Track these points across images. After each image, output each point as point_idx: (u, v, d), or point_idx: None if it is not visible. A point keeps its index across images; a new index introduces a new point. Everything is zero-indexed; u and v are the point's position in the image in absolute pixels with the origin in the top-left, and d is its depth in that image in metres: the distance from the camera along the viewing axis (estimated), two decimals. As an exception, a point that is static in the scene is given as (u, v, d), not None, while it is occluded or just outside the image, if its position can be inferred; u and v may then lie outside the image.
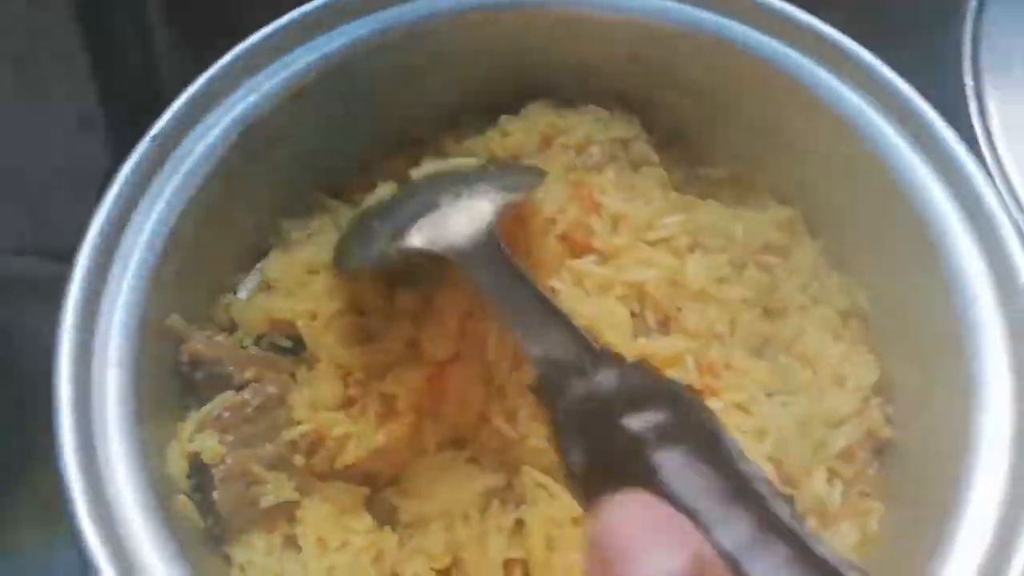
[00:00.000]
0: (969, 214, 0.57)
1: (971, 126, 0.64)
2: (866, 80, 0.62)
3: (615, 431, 0.42)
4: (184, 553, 0.47)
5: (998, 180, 0.62)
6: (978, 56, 0.67)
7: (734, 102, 0.68)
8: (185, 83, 0.59)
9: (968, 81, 0.66)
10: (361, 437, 0.56)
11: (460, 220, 0.54)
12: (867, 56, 0.62)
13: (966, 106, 0.65)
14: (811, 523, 0.58)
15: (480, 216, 0.54)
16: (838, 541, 0.57)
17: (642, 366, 0.45)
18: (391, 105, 0.69)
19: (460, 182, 0.58)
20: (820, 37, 0.63)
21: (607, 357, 0.45)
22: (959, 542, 0.47)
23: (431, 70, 0.68)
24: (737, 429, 0.58)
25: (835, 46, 0.63)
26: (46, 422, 0.48)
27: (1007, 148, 0.64)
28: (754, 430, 0.58)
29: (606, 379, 0.44)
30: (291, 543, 0.56)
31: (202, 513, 0.54)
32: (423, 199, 0.58)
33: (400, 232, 0.55)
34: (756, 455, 0.57)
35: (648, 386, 0.44)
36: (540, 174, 0.63)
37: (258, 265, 0.65)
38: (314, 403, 0.57)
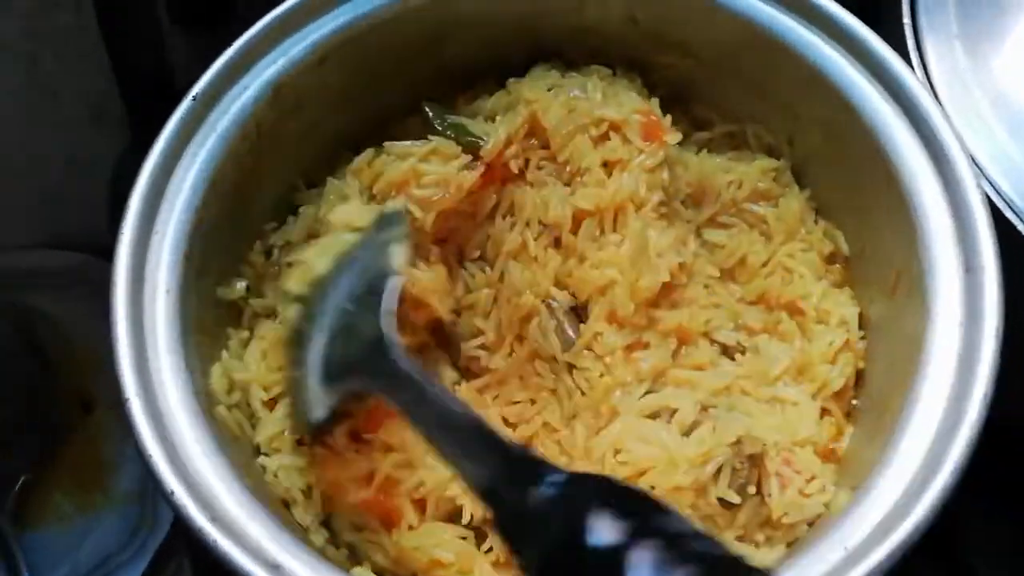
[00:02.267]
0: (936, 164, 0.61)
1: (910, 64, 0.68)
2: (845, 39, 0.66)
3: (565, 537, 0.39)
4: (222, 450, 0.55)
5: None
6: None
7: (730, 64, 0.73)
8: (191, 80, 0.65)
9: (906, 20, 0.70)
10: None
11: (353, 345, 0.57)
12: (849, 19, 0.66)
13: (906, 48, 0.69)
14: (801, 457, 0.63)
15: (370, 332, 0.55)
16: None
17: (574, 476, 0.44)
18: (409, 69, 0.75)
19: (344, 295, 0.61)
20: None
21: (534, 467, 0.43)
22: (901, 451, 0.53)
23: (448, 37, 0.74)
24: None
25: (821, 11, 0.67)
26: (71, 405, 0.52)
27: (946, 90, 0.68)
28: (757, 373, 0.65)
29: (544, 491, 0.41)
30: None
31: (240, 425, 0.62)
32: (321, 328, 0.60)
33: (328, 382, 0.58)
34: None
35: (586, 494, 0.42)
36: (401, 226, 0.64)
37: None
38: None
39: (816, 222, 0.73)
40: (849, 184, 0.69)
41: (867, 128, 0.65)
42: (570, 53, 0.77)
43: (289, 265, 0.69)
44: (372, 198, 0.69)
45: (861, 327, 0.68)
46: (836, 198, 0.72)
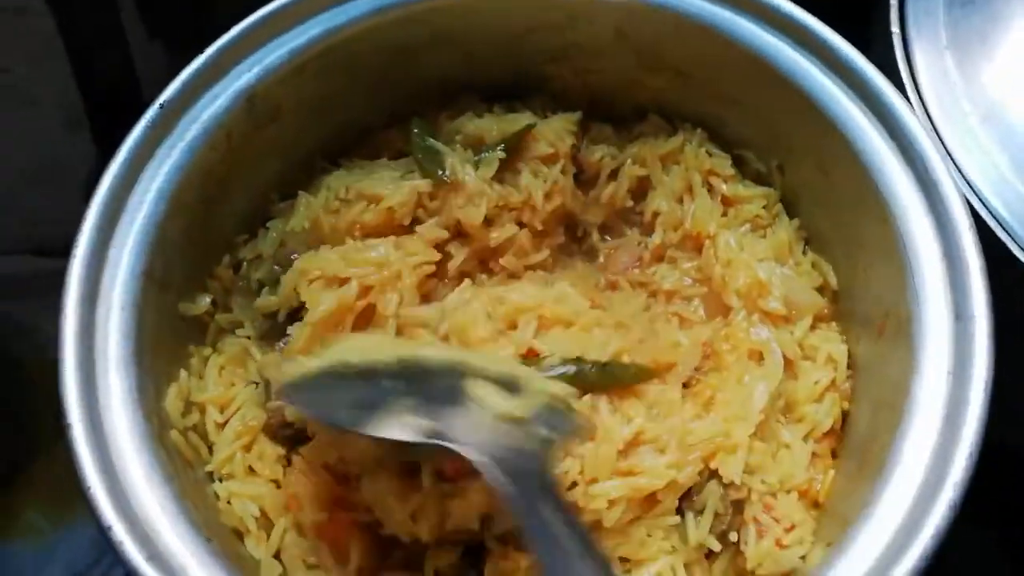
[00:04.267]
0: (929, 203, 0.58)
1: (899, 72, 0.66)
2: (841, 68, 0.63)
3: None
4: (170, 480, 0.52)
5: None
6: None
7: (721, 87, 0.71)
8: (160, 82, 0.62)
9: (895, 29, 0.68)
10: None
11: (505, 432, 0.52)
12: (847, 48, 0.63)
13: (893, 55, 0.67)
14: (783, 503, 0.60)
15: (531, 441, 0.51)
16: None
17: None
18: (390, 81, 0.73)
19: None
20: (800, 28, 0.65)
21: None
22: (886, 500, 0.50)
23: (428, 50, 0.72)
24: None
25: (817, 37, 0.64)
26: (48, 416, 0.51)
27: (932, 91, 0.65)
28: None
29: None
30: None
31: (195, 449, 0.60)
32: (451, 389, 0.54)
33: (431, 412, 0.52)
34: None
35: None
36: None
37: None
38: None
39: (805, 253, 0.71)
40: (840, 218, 0.67)
41: (860, 162, 0.62)
42: (555, 70, 0.75)
43: (260, 283, 0.68)
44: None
45: (848, 367, 0.65)
46: (827, 231, 0.69)
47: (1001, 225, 0.60)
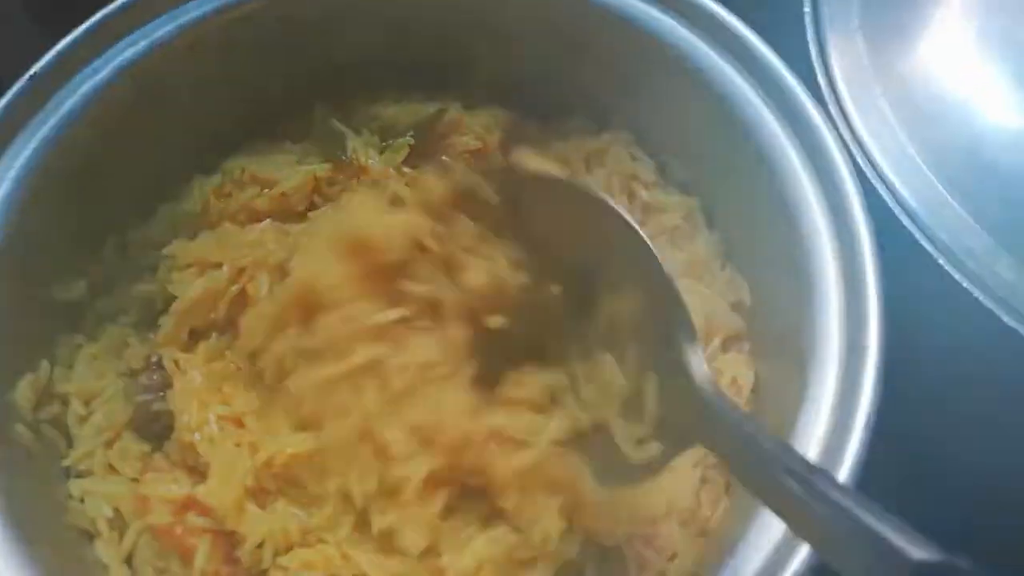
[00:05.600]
0: (836, 223, 0.56)
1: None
2: (756, 69, 0.60)
3: None
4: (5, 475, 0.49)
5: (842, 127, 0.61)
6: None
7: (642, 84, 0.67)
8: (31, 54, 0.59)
9: (807, 9, 0.65)
10: None
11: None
12: (763, 49, 0.60)
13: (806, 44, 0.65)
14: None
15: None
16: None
17: None
18: (298, 62, 0.69)
19: None
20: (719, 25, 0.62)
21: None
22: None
23: (342, 25, 0.68)
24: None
25: (732, 34, 0.61)
26: None
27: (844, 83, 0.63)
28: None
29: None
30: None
31: (49, 443, 0.56)
32: None
33: None
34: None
35: None
36: None
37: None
38: None
39: (723, 268, 0.68)
40: (754, 233, 0.63)
41: (770, 171, 0.59)
42: (482, 52, 0.71)
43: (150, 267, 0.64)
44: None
45: (752, 389, 0.62)
46: (743, 245, 0.66)
47: (906, 212, 0.58)
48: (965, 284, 0.56)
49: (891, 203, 0.59)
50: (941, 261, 0.56)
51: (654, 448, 0.49)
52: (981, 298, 0.55)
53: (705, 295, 0.63)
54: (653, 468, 0.49)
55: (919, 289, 0.55)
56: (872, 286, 0.52)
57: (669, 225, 0.68)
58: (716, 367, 0.62)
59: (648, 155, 0.71)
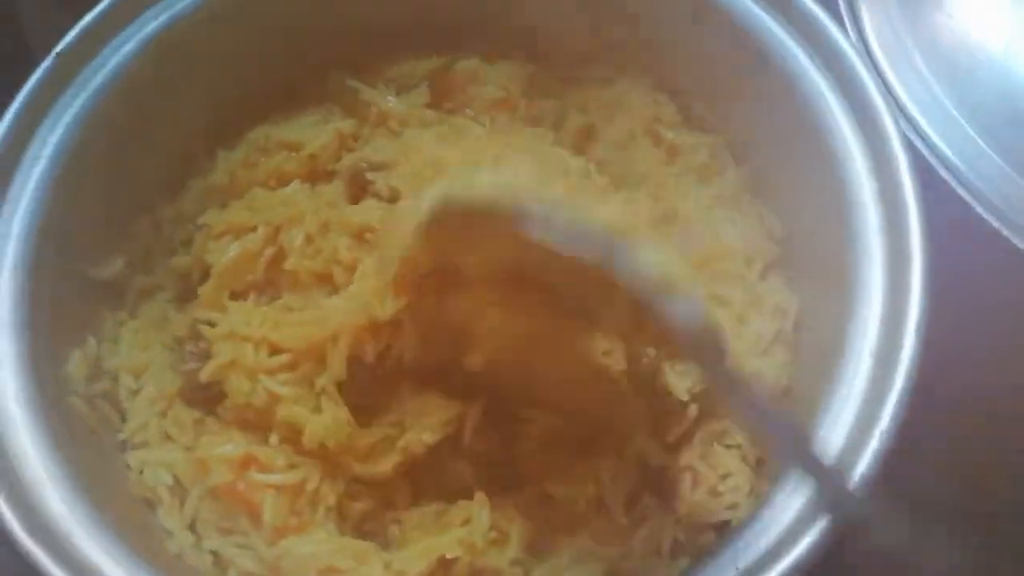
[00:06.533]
0: (872, 152, 0.56)
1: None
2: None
3: None
4: (63, 445, 0.49)
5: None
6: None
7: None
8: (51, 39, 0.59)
9: None
10: None
11: None
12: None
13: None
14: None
15: None
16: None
17: None
18: (317, 29, 0.69)
19: None
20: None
21: None
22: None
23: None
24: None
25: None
26: None
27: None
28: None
29: None
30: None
31: (104, 417, 0.57)
32: None
33: None
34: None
35: None
36: None
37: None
38: None
39: (753, 202, 0.67)
40: (784, 165, 0.63)
41: (803, 105, 0.59)
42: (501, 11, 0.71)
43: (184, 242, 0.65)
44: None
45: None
46: (772, 178, 0.66)
47: (943, 163, 0.57)
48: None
49: (926, 153, 0.59)
50: (979, 210, 0.56)
51: None
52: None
53: (740, 223, 0.63)
54: None
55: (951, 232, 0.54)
56: (911, 200, 0.52)
57: (696, 164, 0.69)
58: (758, 293, 0.63)
59: (669, 98, 0.71)
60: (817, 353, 0.57)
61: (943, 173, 0.57)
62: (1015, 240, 0.55)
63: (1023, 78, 0.60)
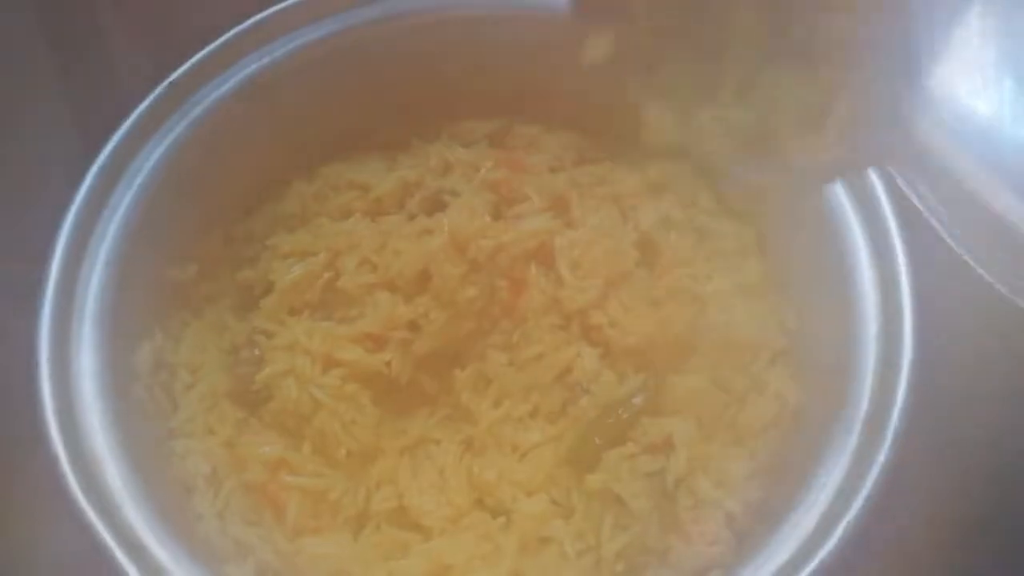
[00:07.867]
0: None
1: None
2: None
3: None
4: (122, 425, 0.56)
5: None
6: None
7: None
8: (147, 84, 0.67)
9: None
10: None
11: None
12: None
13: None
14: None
15: None
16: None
17: None
18: (394, 87, 0.77)
19: None
20: None
21: None
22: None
23: (434, 60, 0.75)
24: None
25: None
26: (29, 420, 0.53)
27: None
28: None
29: None
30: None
31: (159, 406, 0.64)
32: None
33: None
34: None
35: None
36: None
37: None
38: None
39: (771, 292, 0.72)
40: (799, 259, 0.69)
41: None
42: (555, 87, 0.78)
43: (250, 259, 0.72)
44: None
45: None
46: (790, 271, 0.71)
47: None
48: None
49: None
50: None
51: None
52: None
53: (756, 313, 0.68)
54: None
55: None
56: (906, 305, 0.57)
57: (725, 249, 0.74)
58: (763, 380, 0.67)
59: (707, 184, 0.77)
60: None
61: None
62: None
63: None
